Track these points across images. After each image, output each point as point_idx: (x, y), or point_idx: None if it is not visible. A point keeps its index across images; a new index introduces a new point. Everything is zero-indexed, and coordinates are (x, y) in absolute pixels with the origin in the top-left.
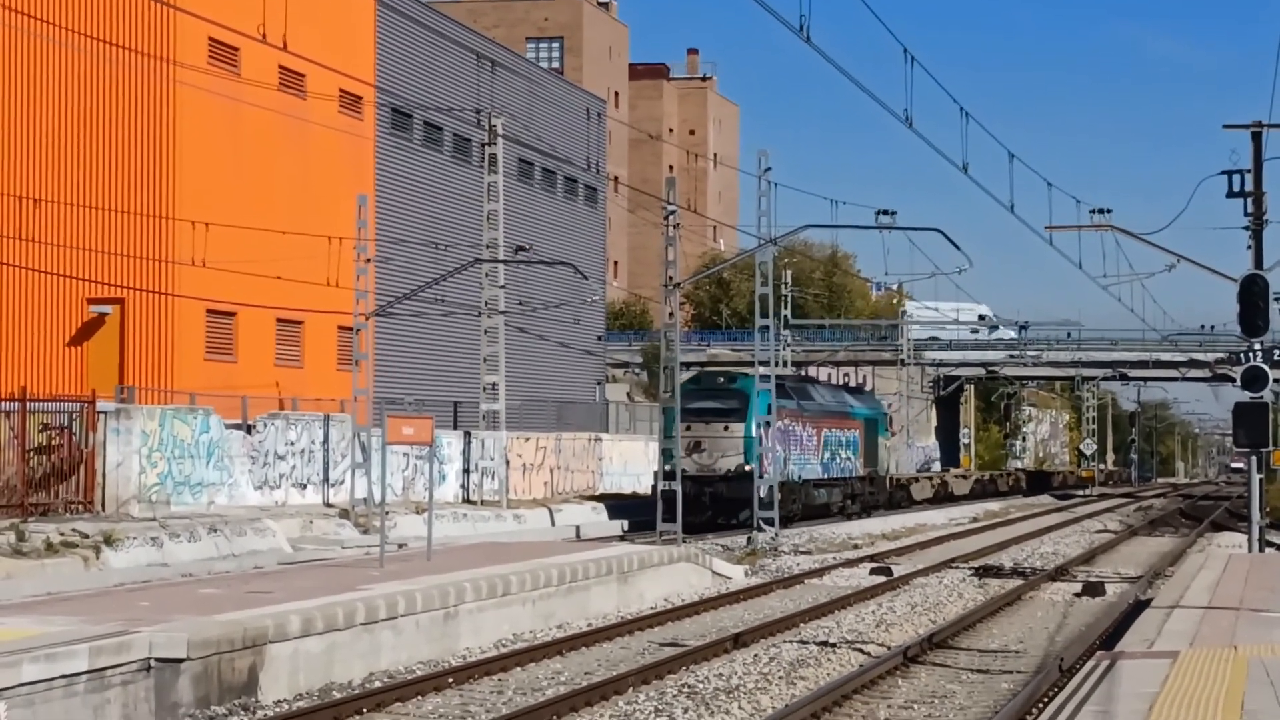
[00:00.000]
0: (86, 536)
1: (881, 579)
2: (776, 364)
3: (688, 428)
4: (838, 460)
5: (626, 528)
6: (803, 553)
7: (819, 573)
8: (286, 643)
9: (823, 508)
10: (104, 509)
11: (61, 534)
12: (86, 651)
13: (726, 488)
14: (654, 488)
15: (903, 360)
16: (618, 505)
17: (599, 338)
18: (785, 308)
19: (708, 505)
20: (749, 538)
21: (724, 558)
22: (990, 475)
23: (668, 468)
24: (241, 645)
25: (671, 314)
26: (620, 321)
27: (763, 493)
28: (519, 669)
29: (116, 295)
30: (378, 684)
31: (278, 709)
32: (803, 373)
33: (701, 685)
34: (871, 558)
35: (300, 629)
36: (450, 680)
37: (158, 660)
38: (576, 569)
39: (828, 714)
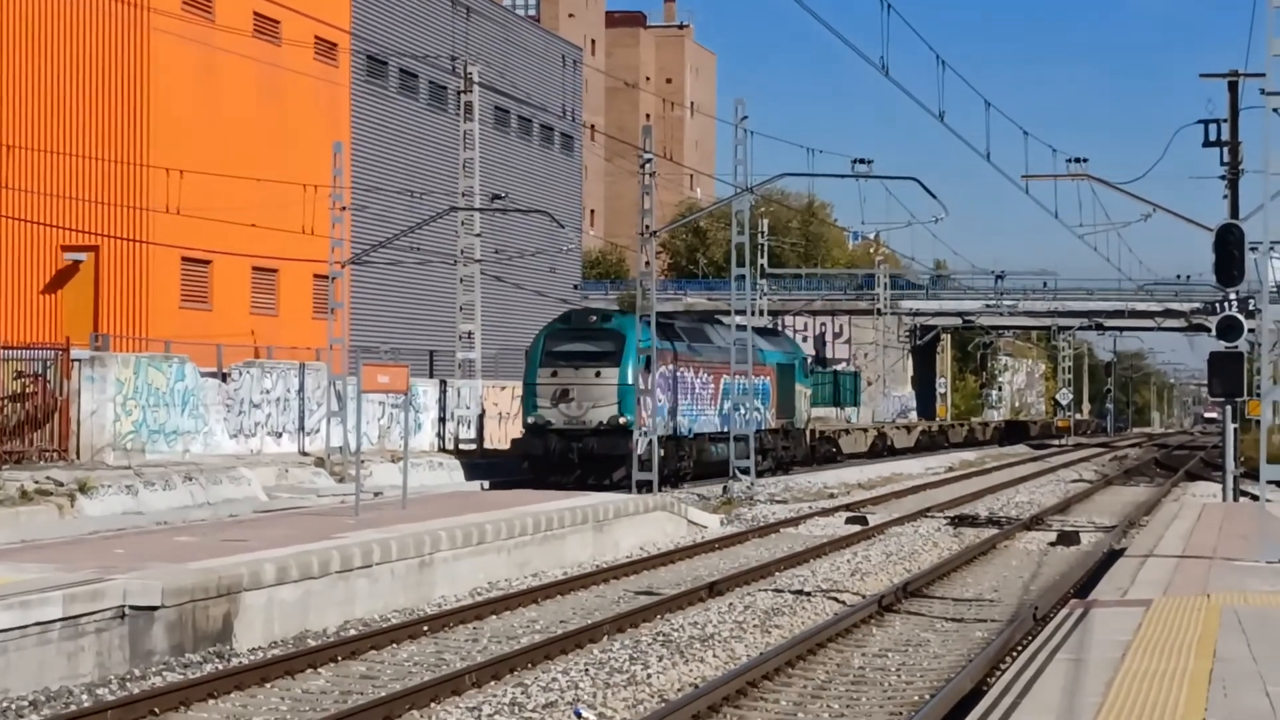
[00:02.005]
0: (61, 484)
1: (857, 528)
2: (753, 313)
3: (553, 373)
4: (740, 411)
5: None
6: (778, 502)
7: (794, 522)
8: (261, 591)
9: (720, 465)
10: (78, 457)
11: (36, 482)
12: (60, 599)
13: (598, 443)
14: (514, 442)
15: (879, 310)
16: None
17: (575, 286)
18: (762, 257)
19: (576, 463)
20: (725, 487)
21: (700, 507)
22: (939, 426)
23: (531, 420)
24: (216, 593)
25: (648, 263)
26: (596, 270)
27: (641, 449)
28: (494, 617)
29: (91, 243)
30: (353, 632)
31: (252, 657)
32: (775, 323)
33: (676, 633)
34: (847, 507)
35: (275, 577)
36: (425, 628)
37: (132, 608)
38: (552, 518)
39: (802, 662)
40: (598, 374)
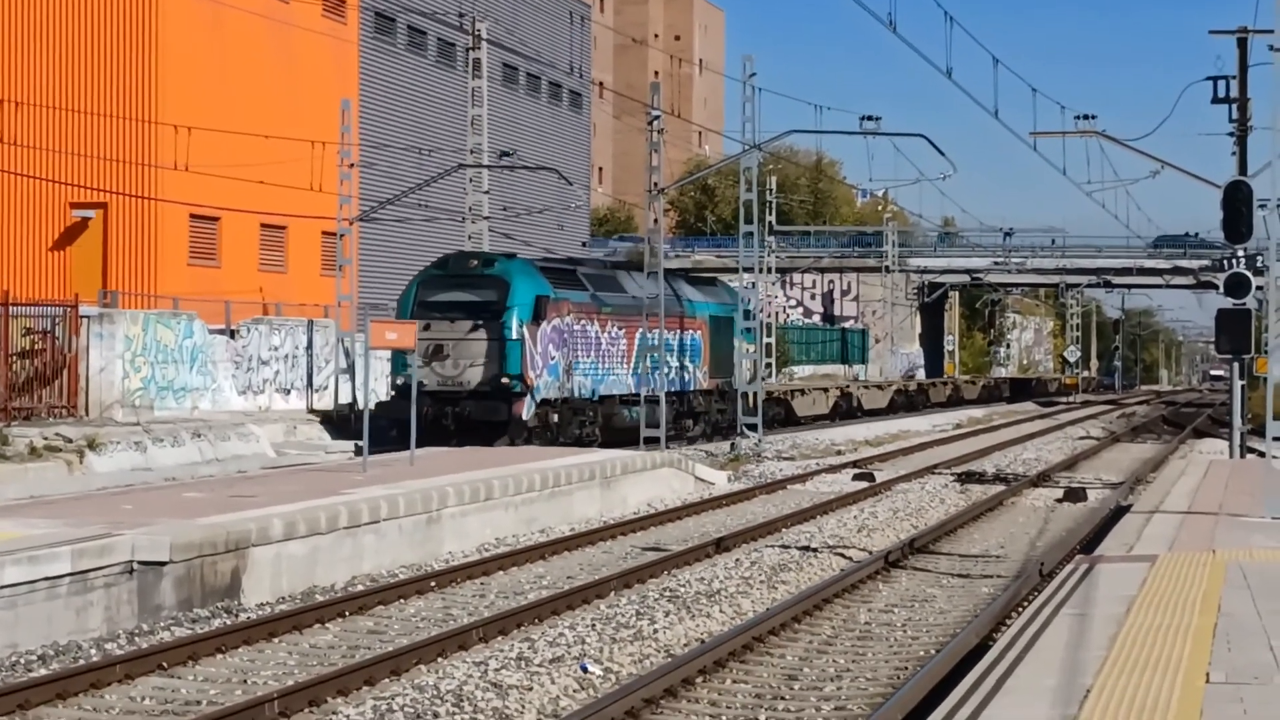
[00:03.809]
0: (70, 441)
1: (864, 484)
2: (761, 270)
3: (426, 327)
4: (662, 370)
5: None
6: (786, 459)
7: (802, 478)
8: (269, 546)
9: (635, 431)
10: (87, 413)
11: (45, 438)
12: (69, 554)
13: (475, 407)
14: (380, 405)
15: (887, 267)
16: None
17: (583, 244)
18: (770, 214)
19: (451, 429)
20: (732, 444)
21: (707, 463)
22: (918, 385)
23: (400, 380)
24: (224, 549)
25: (656, 220)
26: (605, 228)
27: (526, 413)
28: (501, 573)
29: (99, 200)
30: (360, 587)
31: (260, 612)
32: (783, 280)
33: (683, 589)
34: (854, 464)
35: (283, 533)
36: (433, 584)
37: (140, 563)
38: (559, 474)
39: (809, 618)
40: (476, 327)
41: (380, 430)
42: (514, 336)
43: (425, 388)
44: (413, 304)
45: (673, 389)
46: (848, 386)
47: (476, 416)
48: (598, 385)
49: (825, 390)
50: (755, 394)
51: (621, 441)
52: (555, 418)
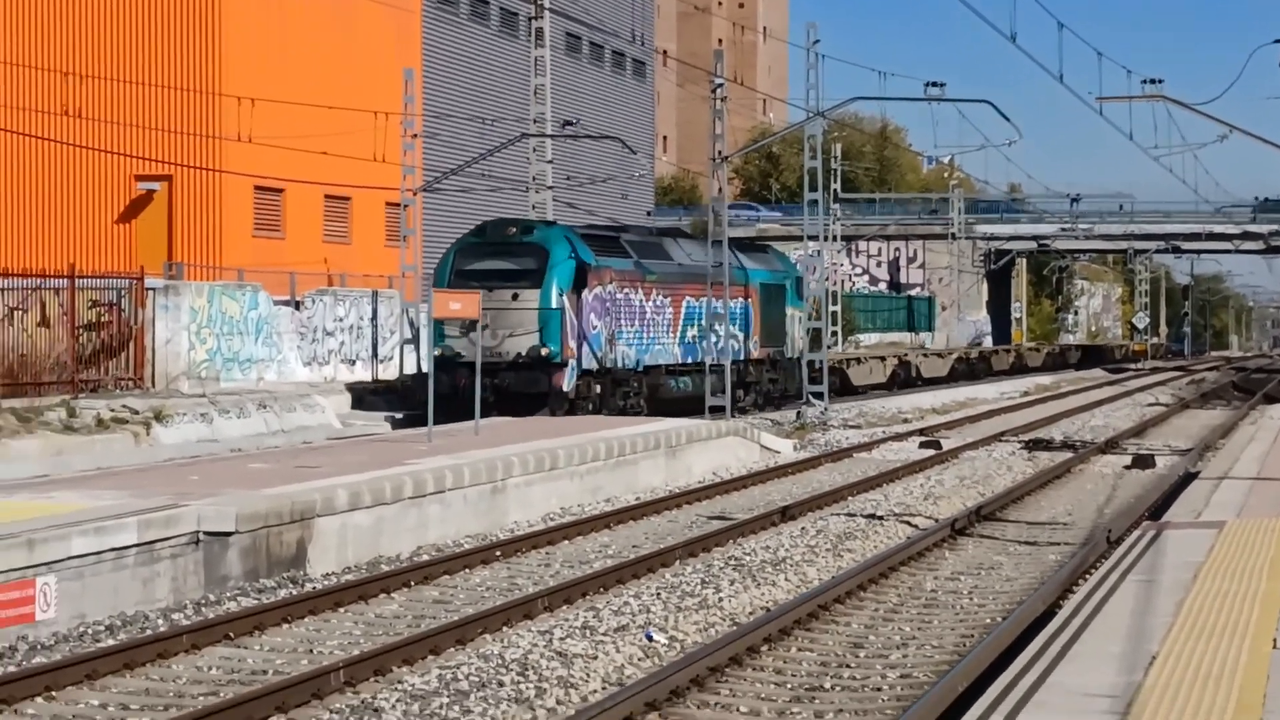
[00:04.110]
0: (137, 413)
1: (930, 452)
2: (825, 238)
3: None
4: (711, 340)
5: None
6: (852, 427)
7: (868, 446)
8: (334, 516)
9: (682, 403)
10: (153, 385)
11: (112, 410)
12: (135, 525)
13: (514, 378)
14: (416, 378)
15: (953, 234)
16: None
17: (648, 213)
18: (835, 182)
19: (491, 401)
20: (798, 412)
21: (773, 432)
22: (979, 353)
23: (437, 352)
24: (289, 519)
25: (719, 189)
26: (670, 197)
27: (566, 385)
28: (566, 542)
29: (164, 172)
30: (425, 557)
31: (326, 582)
32: (849, 248)
33: (748, 557)
34: (921, 431)
35: (348, 503)
36: (498, 553)
37: (206, 534)
38: (624, 443)
39: (874, 586)
40: (515, 296)
41: (421, 404)
42: (553, 305)
43: (463, 359)
44: (449, 273)
45: (721, 359)
46: (906, 355)
47: (515, 388)
48: (642, 355)
49: (882, 359)
50: (821, 362)
51: (668, 413)
52: (598, 389)
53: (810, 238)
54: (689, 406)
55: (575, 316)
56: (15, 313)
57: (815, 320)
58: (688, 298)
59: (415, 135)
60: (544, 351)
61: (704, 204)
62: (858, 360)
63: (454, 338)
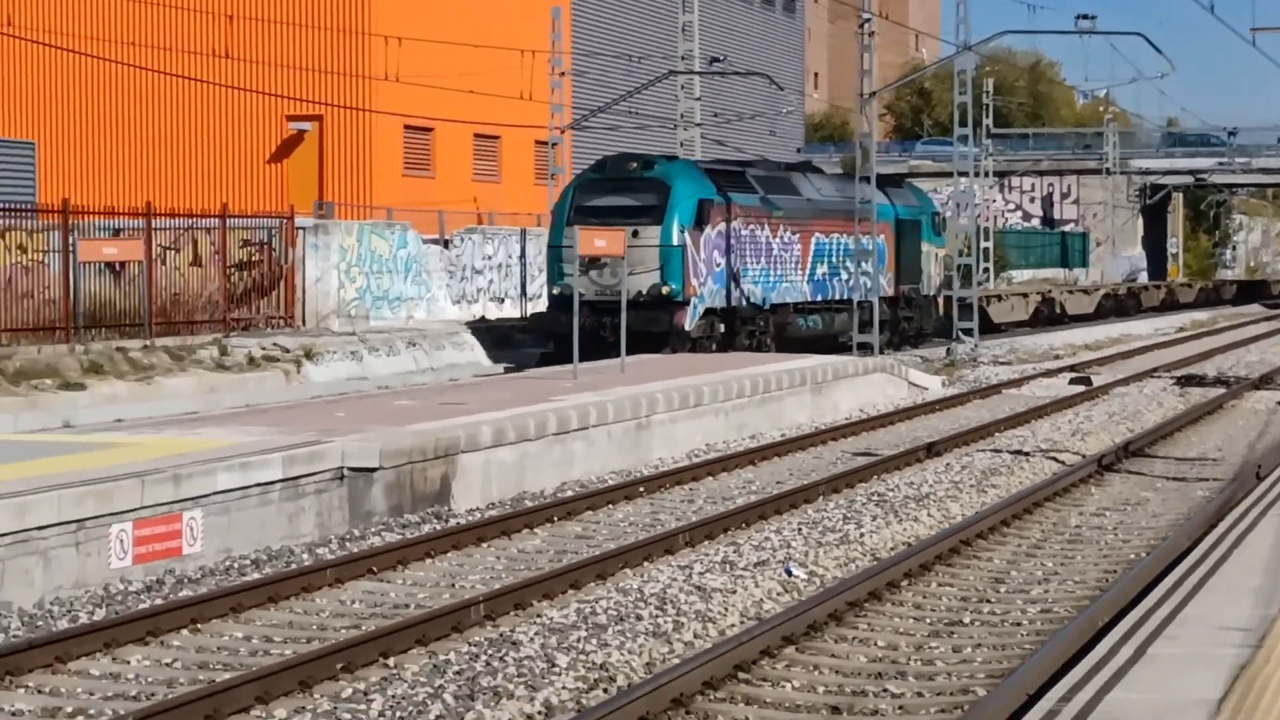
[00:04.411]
0: (287, 351)
1: (1080, 388)
2: (976, 175)
3: None
4: (842, 277)
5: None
6: (1002, 363)
7: (1017, 383)
8: (478, 453)
9: (809, 342)
10: (304, 324)
11: (263, 348)
12: (280, 461)
13: (634, 317)
14: (534, 317)
15: (1108, 169)
16: None
17: (798, 150)
18: (987, 117)
19: (609, 341)
20: (948, 349)
21: (921, 369)
22: (1129, 289)
23: (556, 290)
24: (434, 455)
25: (868, 125)
26: (820, 134)
27: (688, 324)
28: (710, 478)
29: (315, 112)
30: (569, 493)
31: (470, 517)
32: (1001, 184)
33: (891, 493)
34: (1071, 368)
35: (492, 439)
36: (641, 489)
37: (351, 469)
38: (770, 380)
39: (1018, 521)
40: (635, 234)
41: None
42: (674, 242)
43: (583, 298)
44: (569, 209)
45: (852, 296)
46: (1049, 292)
47: (635, 327)
48: (769, 293)
49: (1024, 296)
50: (971, 299)
51: (797, 352)
52: (721, 328)
53: (961, 174)
54: (818, 346)
55: (698, 254)
56: (168, 252)
57: (965, 257)
58: (817, 234)
59: (563, 73)
60: (665, 290)
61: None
62: (998, 297)
63: (572, 276)
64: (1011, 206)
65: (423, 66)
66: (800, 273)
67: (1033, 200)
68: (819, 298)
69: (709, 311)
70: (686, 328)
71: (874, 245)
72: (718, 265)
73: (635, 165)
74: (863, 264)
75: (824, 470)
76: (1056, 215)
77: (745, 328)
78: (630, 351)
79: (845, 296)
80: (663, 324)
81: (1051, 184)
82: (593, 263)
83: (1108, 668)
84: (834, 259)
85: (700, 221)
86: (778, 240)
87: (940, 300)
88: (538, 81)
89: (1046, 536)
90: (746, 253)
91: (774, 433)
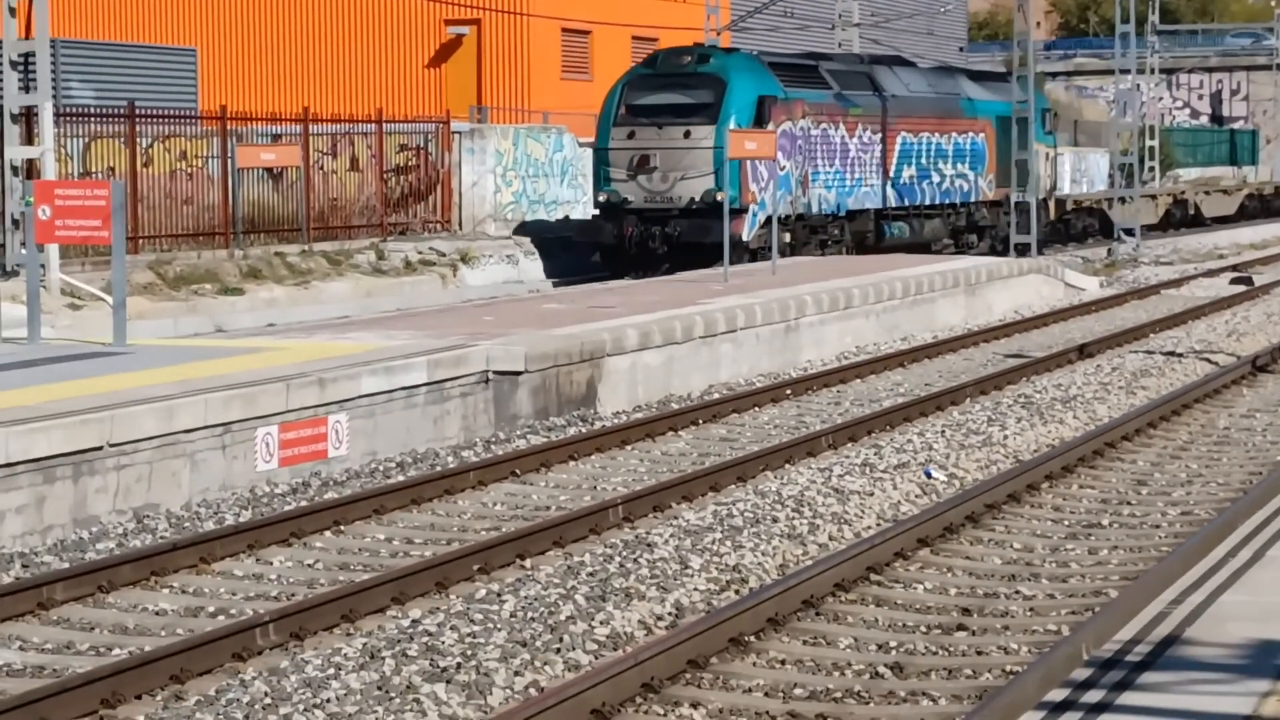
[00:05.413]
0: (444, 255)
1: (1241, 289)
2: (1141, 71)
3: (630, 134)
4: (933, 180)
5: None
6: (1164, 264)
7: (1177, 283)
8: (624, 356)
9: (894, 250)
10: (460, 228)
11: (419, 253)
12: (424, 364)
13: (687, 226)
14: (580, 228)
15: (1278, 65)
16: None
17: (960, 49)
18: (1154, 13)
19: (660, 253)
20: (1109, 249)
21: (1081, 270)
22: (1276, 188)
23: (603, 197)
24: (579, 359)
25: (1027, 22)
26: (985, 31)
27: (746, 234)
28: (858, 380)
29: (473, 16)
30: (715, 396)
31: (615, 420)
32: (1169, 80)
33: (1038, 395)
34: (1234, 268)
35: (638, 343)
36: (788, 392)
37: (495, 373)
38: (922, 281)
39: (1165, 423)
40: (688, 134)
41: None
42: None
43: (630, 204)
44: (616, 108)
45: (946, 200)
46: (1182, 193)
47: (688, 238)
48: (844, 199)
49: (1154, 198)
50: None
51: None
52: (788, 237)
53: (1123, 71)
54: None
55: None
56: (326, 158)
57: (1126, 155)
58: (904, 133)
59: None
60: (719, 196)
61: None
62: (1121, 200)
63: (620, 181)
64: (1179, 104)
65: None
66: (882, 176)
67: (1200, 98)
68: (906, 203)
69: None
70: (745, 238)
71: (970, 144)
72: (782, 169)
73: (689, 59)
74: (957, 165)
75: (973, 372)
76: (1225, 113)
77: (816, 236)
78: (680, 267)
79: (938, 201)
80: (717, 234)
81: (1220, 80)
82: (641, 165)
83: (1225, 569)
84: (924, 160)
85: (761, 120)
86: (855, 140)
87: (1051, 204)
88: None
89: (1194, 438)
90: (818, 154)
91: (925, 334)
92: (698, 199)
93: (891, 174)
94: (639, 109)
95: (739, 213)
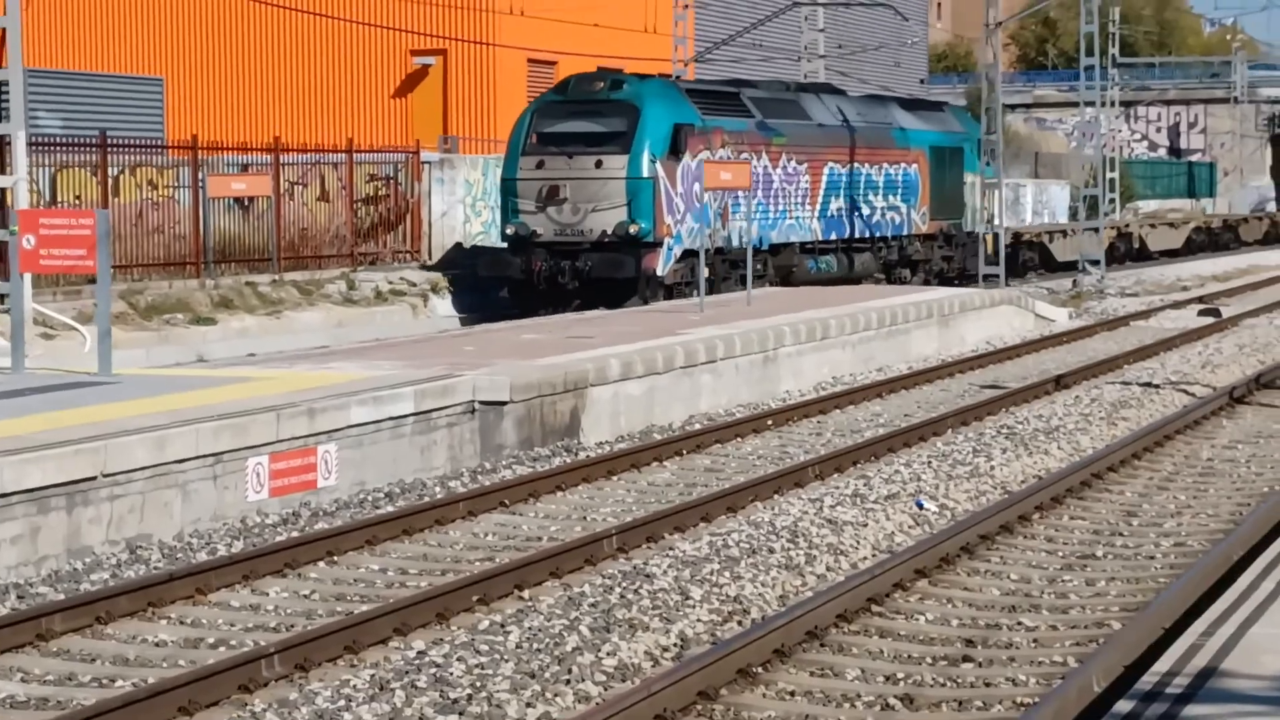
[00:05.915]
0: (414, 285)
1: (1209, 320)
2: (1102, 104)
3: (539, 164)
4: (861, 213)
5: None
6: (1129, 295)
7: (1145, 314)
8: (607, 386)
9: (821, 284)
10: (430, 257)
11: (390, 283)
12: (412, 394)
13: (598, 261)
14: (486, 262)
15: (1236, 98)
16: None
17: (921, 81)
18: (1113, 46)
19: (570, 288)
20: (1074, 281)
21: (1048, 301)
22: (1224, 222)
23: (510, 230)
24: (563, 389)
25: (994, 55)
26: (944, 64)
27: (660, 268)
28: (838, 411)
29: (439, 46)
30: (697, 426)
31: (599, 450)
32: (1127, 114)
33: (1020, 426)
34: (1200, 299)
35: (620, 373)
36: (769, 422)
37: (481, 403)
38: (896, 312)
39: (1148, 454)
40: (599, 164)
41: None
42: (644, 174)
43: (539, 238)
44: (525, 136)
45: (878, 233)
46: (1125, 226)
47: (599, 273)
48: (766, 232)
49: (1095, 231)
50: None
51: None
52: (706, 272)
53: (1087, 104)
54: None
55: (673, 187)
56: (296, 187)
57: (1091, 188)
58: (831, 163)
59: (686, 5)
60: (633, 229)
61: (978, 71)
62: (1063, 233)
63: (529, 213)
64: (1138, 136)
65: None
66: (809, 208)
67: (1159, 130)
68: (834, 236)
69: (689, 254)
70: (659, 273)
71: (902, 175)
72: (699, 201)
73: (602, 85)
74: (889, 197)
75: (952, 403)
76: (1183, 145)
77: (736, 271)
78: (591, 304)
79: (868, 234)
80: (629, 269)
81: (1178, 113)
82: (550, 197)
83: (1248, 602)
84: (853, 192)
85: (676, 150)
86: (779, 171)
87: (988, 238)
88: (661, 14)
89: (1178, 469)
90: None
91: (901, 365)
92: (610, 232)
93: (818, 206)
94: (548, 137)
95: (654, 246)
